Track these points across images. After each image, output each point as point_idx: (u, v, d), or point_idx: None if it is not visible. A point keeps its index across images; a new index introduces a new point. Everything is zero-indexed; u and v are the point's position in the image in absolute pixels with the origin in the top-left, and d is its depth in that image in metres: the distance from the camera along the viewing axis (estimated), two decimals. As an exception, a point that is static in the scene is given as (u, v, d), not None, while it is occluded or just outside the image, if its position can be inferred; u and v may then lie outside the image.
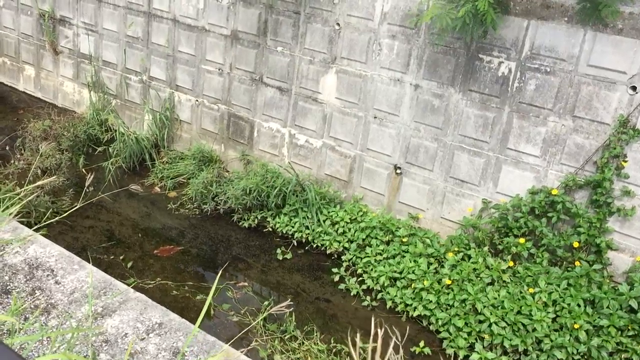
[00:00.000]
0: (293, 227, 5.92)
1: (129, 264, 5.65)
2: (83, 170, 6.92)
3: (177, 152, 7.37)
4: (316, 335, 4.90)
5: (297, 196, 5.90)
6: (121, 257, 5.76)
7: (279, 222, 6.00)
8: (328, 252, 5.75)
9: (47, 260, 2.97)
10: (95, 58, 7.98)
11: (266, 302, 5.19)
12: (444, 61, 5.29)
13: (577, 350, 4.22)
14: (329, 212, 5.78)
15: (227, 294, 5.39)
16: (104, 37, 7.80)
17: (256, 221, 6.21)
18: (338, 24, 5.80)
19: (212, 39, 6.77)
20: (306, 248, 5.93)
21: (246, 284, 5.58)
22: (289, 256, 5.85)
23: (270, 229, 6.12)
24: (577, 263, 4.66)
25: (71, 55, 8.28)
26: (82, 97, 8.34)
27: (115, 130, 7.92)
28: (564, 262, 4.76)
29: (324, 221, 5.75)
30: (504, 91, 5.04)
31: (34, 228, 3.44)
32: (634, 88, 4.48)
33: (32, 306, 2.40)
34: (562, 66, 4.74)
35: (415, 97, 5.52)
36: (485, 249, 5.02)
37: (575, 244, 4.68)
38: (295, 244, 5.97)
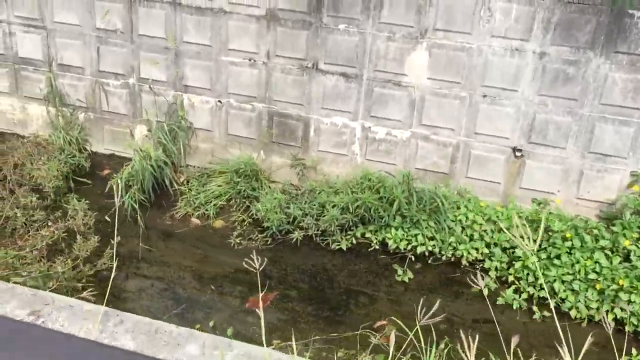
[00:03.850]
0: (410, 240, 4.96)
1: (229, 332, 4.38)
2: (107, 218, 5.24)
3: (200, 169, 5.90)
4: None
5: (410, 203, 4.90)
6: (210, 324, 4.46)
7: (389, 237, 4.98)
8: (462, 263, 4.90)
9: None
10: (46, 62, 6.06)
11: (442, 344, 4.26)
12: (581, 22, 4.50)
13: None
14: (456, 217, 4.88)
15: (370, 341, 4.37)
16: (58, 34, 5.90)
17: (353, 240, 5.14)
18: (429, -11, 4.74)
19: (236, 22, 5.32)
20: (428, 262, 5.02)
21: (385, 322, 4.59)
22: (410, 275, 4.92)
23: (377, 247, 5.09)
24: None
25: (3, 62, 6.22)
26: (28, 115, 6.38)
27: (93, 153, 6.24)
28: None
29: (454, 227, 4.85)
30: (661, 49, 4.41)
31: None
32: None
33: None
34: None
35: (541, 67, 4.71)
36: (664, 229, 4.50)
37: None
38: (413, 258, 5.03)
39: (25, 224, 5.04)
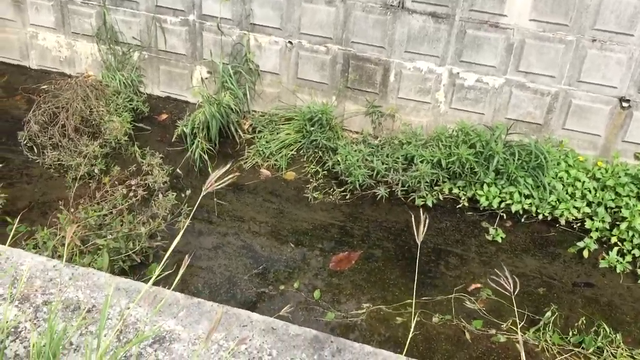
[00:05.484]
0: (504, 198, 4.61)
1: (316, 295, 4.13)
2: (178, 170, 4.90)
3: (266, 115, 5.50)
4: (613, 336, 3.86)
5: (508, 160, 4.53)
6: (295, 286, 4.20)
7: (481, 194, 4.64)
8: (558, 222, 4.58)
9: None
10: (96, -4, 5.57)
11: (548, 313, 3.99)
12: None
13: None
14: (557, 173, 4.52)
15: (465, 305, 4.13)
16: (110, -36, 5.38)
17: (439, 196, 4.81)
18: None
19: (313, -46, 4.80)
20: (520, 220, 4.70)
21: (479, 285, 4.33)
22: (502, 235, 4.61)
23: (465, 204, 4.77)
24: None
25: (48, -5, 5.74)
26: (77, 53, 5.94)
27: (148, 95, 5.84)
28: None
29: (555, 185, 4.49)
30: None
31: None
32: None
33: None
34: None
35: (664, 9, 4.22)
36: None
37: None
38: (504, 216, 4.71)
39: (90, 175, 4.74)
